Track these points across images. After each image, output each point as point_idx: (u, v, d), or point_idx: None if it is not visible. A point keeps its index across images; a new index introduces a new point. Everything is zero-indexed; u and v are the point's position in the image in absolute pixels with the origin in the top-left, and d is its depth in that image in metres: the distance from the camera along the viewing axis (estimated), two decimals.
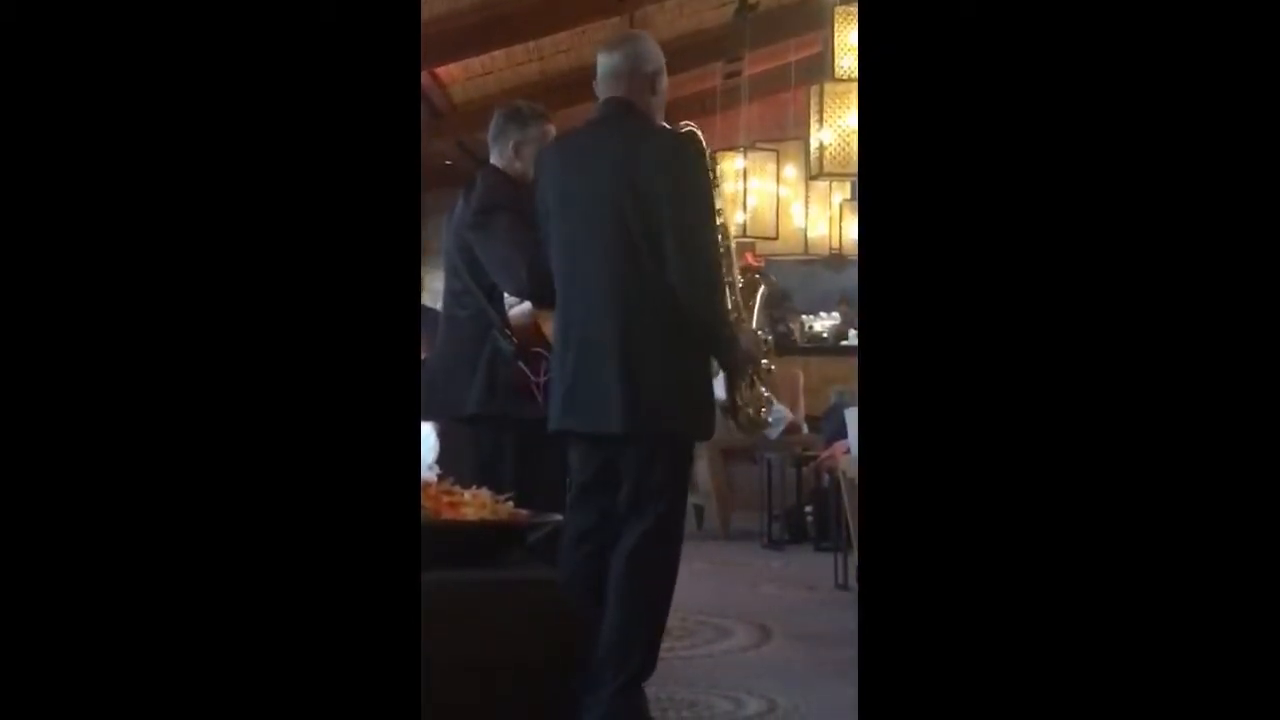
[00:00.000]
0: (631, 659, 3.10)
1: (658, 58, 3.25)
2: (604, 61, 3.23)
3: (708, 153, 3.20)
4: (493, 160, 3.64)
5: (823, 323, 11.16)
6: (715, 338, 3.16)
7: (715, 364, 3.31)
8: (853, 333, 10.24)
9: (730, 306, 3.24)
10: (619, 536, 3.13)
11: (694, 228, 3.09)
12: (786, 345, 10.63)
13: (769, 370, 3.44)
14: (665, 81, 3.27)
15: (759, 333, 3.41)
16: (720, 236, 3.24)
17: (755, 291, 3.47)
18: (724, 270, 3.23)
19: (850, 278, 9.79)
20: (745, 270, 3.60)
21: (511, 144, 3.56)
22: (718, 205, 3.26)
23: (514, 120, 3.59)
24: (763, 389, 3.41)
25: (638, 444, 3.12)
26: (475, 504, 2.18)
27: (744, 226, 7.31)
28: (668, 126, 3.25)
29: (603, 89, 3.23)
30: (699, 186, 3.14)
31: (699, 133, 3.23)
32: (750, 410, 3.39)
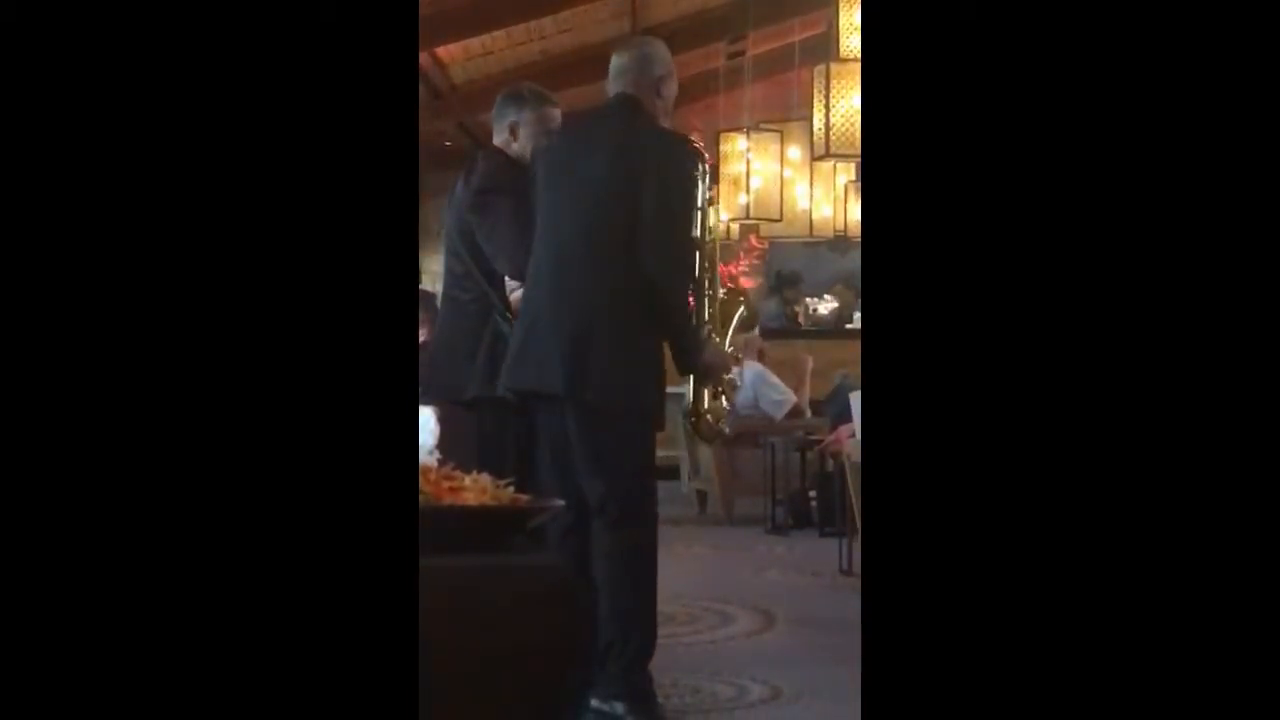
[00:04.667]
0: (630, 640, 3.13)
1: (666, 63, 3.40)
2: (614, 61, 3.39)
3: (705, 166, 3.34)
4: (495, 142, 3.63)
5: (826, 305, 11.13)
6: (681, 331, 3.26)
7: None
8: (857, 315, 10.21)
9: (706, 318, 3.35)
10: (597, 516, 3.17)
11: (676, 222, 3.22)
12: (791, 328, 10.61)
13: (734, 386, 3.57)
14: (673, 87, 3.41)
15: (730, 350, 3.51)
16: (708, 244, 3.37)
17: (734, 312, 3.61)
18: (705, 282, 3.35)
19: (854, 260, 9.77)
20: (728, 291, 3.71)
21: (508, 124, 3.56)
22: (710, 223, 3.42)
23: (512, 101, 3.59)
24: (724, 402, 3.51)
25: (585, 416, 3.15)
26: (476, 489, 2.16)
27: (748, 208, 7.28)
28: (666, 128, 3.39)
29: (612, 86, 3.37)
30: (689, 189, 3.27)
31: (701, 146, 3.41)
32: (712, 416, 3.46)
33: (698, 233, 3.28)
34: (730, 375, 3.51)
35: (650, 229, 3.13)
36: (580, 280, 3.18)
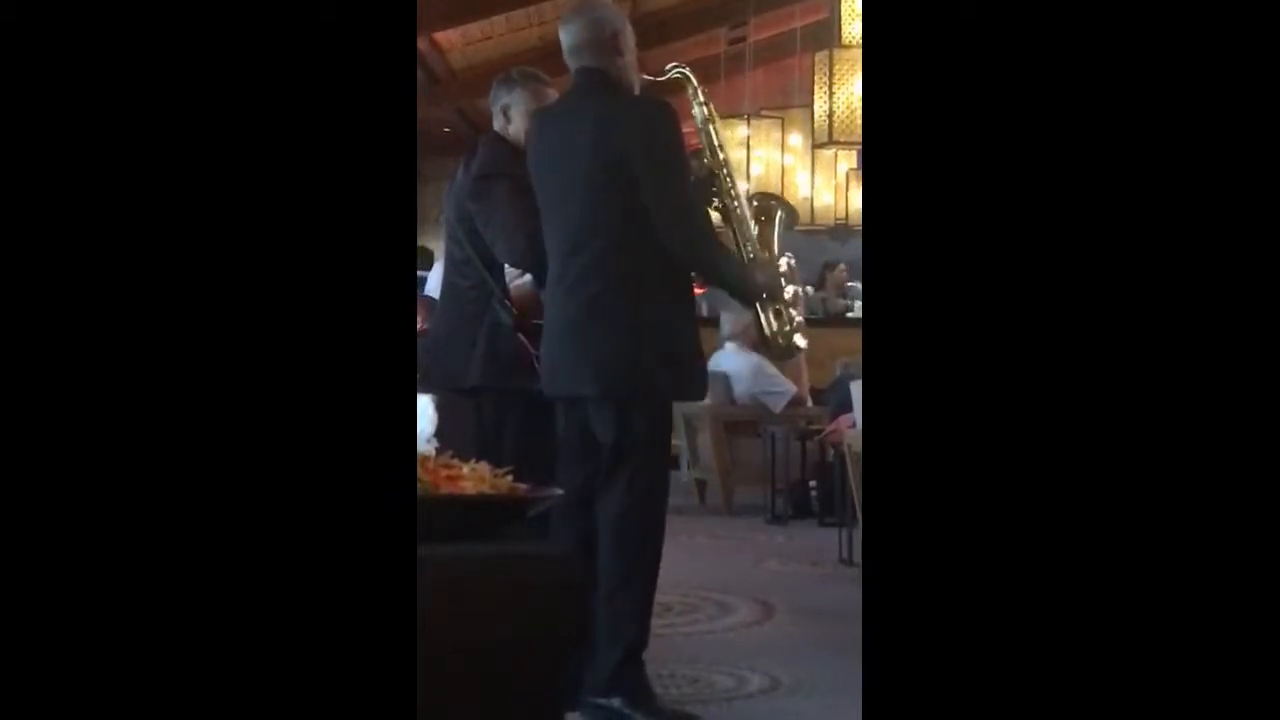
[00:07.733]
0: (626, 630, 3.11)
1: (614, 20, 3.26)
2: (563, 35, 3.26)
3: (676, 118, 3.23)
4: (494, 127, 3.62)
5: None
6: (722, 278, 3.35)
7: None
8: (859, 305, 10.16)
9: (746, 243, 3.36)
10: (602, 505, 3.15)
11: (673, 185, 3.14)
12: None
13: (797, 296, 3.56)
14: (629, 39, 3.27)
15: (786, 259, 3.48)
16: (726, 174, 3.38)
17: (772, 220, 3.52)
18: (737, 212, 3.36)
19: (855, 248, 9.73)
20: (758, 196, 3.66)
21: (501, 108, 3.56)
22: (717, 144, 3.41)
23: (504, 85, 3.60)
24: (794, 314, 3.49)
25: (614, 406, 3.15)
26: (474, 478, 2.15)
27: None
28: (639, 95, 3.29)
29: (571, 61, 3.25)
30: (672, 146, 3.18)
31: (668, 103, 3.28)
32: (782, 339, 3.46)
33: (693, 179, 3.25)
34: (794, 287, 3.50)
35: (659, 211, 3.08)
36: (590, 269, 3.13)
